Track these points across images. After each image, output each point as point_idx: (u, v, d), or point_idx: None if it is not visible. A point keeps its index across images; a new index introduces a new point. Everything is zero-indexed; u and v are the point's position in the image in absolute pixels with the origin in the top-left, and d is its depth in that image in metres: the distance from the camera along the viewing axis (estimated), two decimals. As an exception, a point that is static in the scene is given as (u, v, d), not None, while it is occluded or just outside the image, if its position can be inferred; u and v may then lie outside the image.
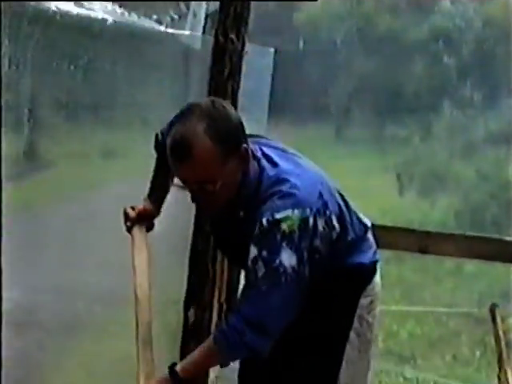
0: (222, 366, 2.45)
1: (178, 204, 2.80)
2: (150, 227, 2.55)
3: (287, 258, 2.10)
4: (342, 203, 2.28)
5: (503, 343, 3.24)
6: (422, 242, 3.44)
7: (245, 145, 2.12)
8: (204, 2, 4.05)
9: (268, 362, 2.25)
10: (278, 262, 2.09)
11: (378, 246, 2.54)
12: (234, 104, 3.33)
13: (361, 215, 2.44)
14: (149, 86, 3.65)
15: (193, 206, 3.48)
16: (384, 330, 5.78)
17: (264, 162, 2.21)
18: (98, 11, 3.08)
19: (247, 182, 2.17)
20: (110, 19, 3.10)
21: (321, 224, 2.15)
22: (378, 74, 9.26)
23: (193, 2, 4.07)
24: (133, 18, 3.42)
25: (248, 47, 3.60)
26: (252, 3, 3.49)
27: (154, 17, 3.72)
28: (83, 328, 3.45)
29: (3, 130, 2.42)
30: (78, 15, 2.92)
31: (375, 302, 2.48)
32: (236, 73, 3.51)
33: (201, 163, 2.03)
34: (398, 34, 9.38)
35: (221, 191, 2.11)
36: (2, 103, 2.41)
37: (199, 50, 3.88)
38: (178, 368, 2.18)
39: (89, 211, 3.43)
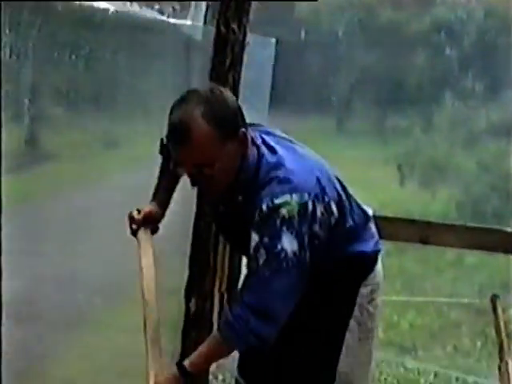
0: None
1: (179, 193, 2.80)
2: (154, 230, 2.55)
3: (288, 243, 2.12)
4: (341, 190, 2.30)
5: (504, 334, 3.24)
6: (422, 232, 3.45)
7: (243, 129, 2.14)
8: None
9: (267, 350, 2.26)
10: (279, 247, 2.11)
11: (380, 236, 2.55)
12: (236, 94, 3.32)
13: (362, 204, 2.45)
14: (150, 76, 3.65)
15: (194, 196, 3.49)
16: (385, 320, 5.77)
17: (263, 148, 2.22)
18: (100, 1, 3.07)
19: (246, 166, 2.19)
20: (112, 9, 3.10)
21: (319, 209, 2.16)
22: (380, 66, 9.24)
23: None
24: (134, 8, 3.41)
25: (249, 38, 3.59)
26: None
27: (156, 7, 3.71)
28: (83, 320, 3.46)
29: (3, 120, 2.42)
30: (79, 5, 2.92)
31: (376, 292, 2.49)
32: (237, 63, 3.51)
33: (198, 146, 2.06)
34: (400, 26, 9.36)
35: (219, 175, 2.13)
36: (2, 93, 2.41)
37: (200, 40, 3.87)
38: (186, 363, 2.20)
39: (90, 202, 3.43)
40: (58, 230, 3.21)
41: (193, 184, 2.22)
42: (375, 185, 8.15)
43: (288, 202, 2.12)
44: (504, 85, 8.74)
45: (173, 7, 3.90)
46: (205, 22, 3.91)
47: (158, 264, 2.45)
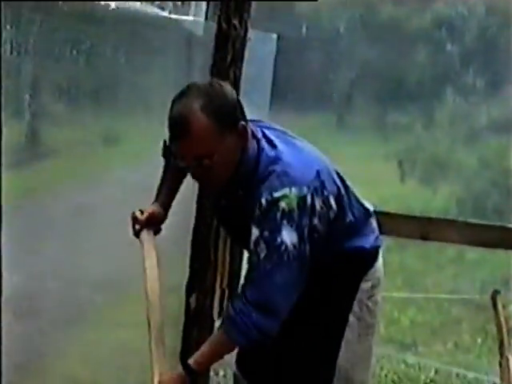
0: None
1: (180, 190, 2.80)
2: (157, 231, 2.56)
3: (288, 236, 2.13)
4: (341, 185, 2.31)
5: (505, 330, 3.24)
6: (423, 228, 3.45)
7: (242, 122, 2.17)
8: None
9: (267, 345, 2.27)
10: (279, 240, 2.13)
11: (380, 232, 2.55)
12: (237, 90, 3.32)
13: (363, 200, 2.46)
14: (151, 71, 3.65)
15: (195, 192, 3.49)
16: (385, 316, 5.78)
17: (264, 142, 2.25)
18: (101, 0, 3.07)
19: (246, 160, 2.21)
20: (113, 4, 3.09)
21: (318, 203, 2.19)
22: (381, 62, 9.22)
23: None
24: (135, 4, 3.40)
25: (251, 33, 3.60)
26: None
27: (157, 2, 3.71)
28: (84, 316, 3.46)
29: (3, 116, 2.42)
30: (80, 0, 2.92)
31: (376, 288, 2.50)
32: (238, 59, 3.51)
33: (198, 138, 2.09)
34: (401, 22, 9.34)
35: (219, 167, 2.15)
36: (3, 90, 2.41)
37: (202, 36, 3.87)
38: (191, 362, 2.21)
39: (91, 198, 3.42)
40: (58, 226, 3.20)
41: (194, 177, 2.25)
42: (376, 181, 8.15)
43: (287, 196, 2.14)
44: (505, 81, 8.73)
45: (174, 3, 3.89)
46: (206, 18, 3.90)
47: (159, 260, 2.45)
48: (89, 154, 3.38)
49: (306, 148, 2.35)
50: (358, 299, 2.45)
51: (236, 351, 2.55)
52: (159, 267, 2.43)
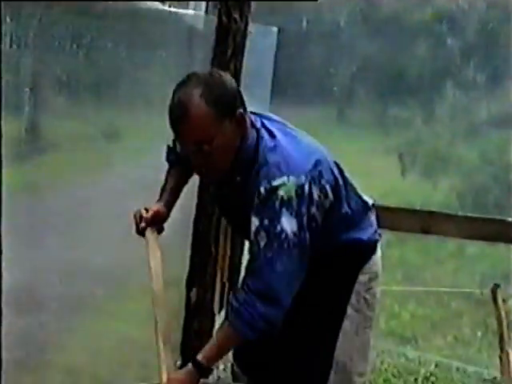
0: None
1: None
2: (160, 230, 2.57)
3: (288, 224, 2.15)
4: (338, 176, 2.34)
5: (505, 324, 3.25)
6: (424, 222, 3.46)
7: (240, 110, 2.21)
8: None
9: (263, 337, 2.27)
10: (279, 228, 2.15)
11: (379, 226, 2.56)
12: (237, 83, 3.31)
13: (362, 194, 2.48)
14: (152, 65, 3.64)
15: (196, 186, 3.49)
16: (386, 310, 5.79)
17: (263, 132, 2.29)
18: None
19: (245, 148, 2.24)
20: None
21: (316, 192, 2.21)
22: (381, 56, 9.21)
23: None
24: (136, -2, 3.40)
25: (251, 27, 3.59)
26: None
27: (158, -3, 3.70)
28: (85, 308, 3.46)
29: (3, 110, 2.42)
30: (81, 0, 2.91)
31: (374, 281, 2.51)
32: (239, 52, 3.51)
33: (196, 123, 2.13)
34: (402, 16, 9.33)
35: (218, 153, 2.18)
36: (3, 83, 2.41)
37: (202, 29, 3.86)
38: (199, 358, 2.22)
39: (91, 192, 3.42)
40: (58, 220, 3.20)
41: (194, 166, 2.28)
42: (376, 175, 8.15)
43: (285, 184, 2.17)
44: (506, 75, 8.71)
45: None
46: (206, 12, 3.90)
47: (162, 259, 2.46)
48: (89, 149, 3.38)
49: (305, 139, 2.38)
50: (356, 291, 2.47)
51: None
52: (163, 265, 2.44)
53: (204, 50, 3.69)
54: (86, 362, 3.52)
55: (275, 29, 5.05)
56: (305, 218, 2.18)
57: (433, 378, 4.68)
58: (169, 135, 2.40)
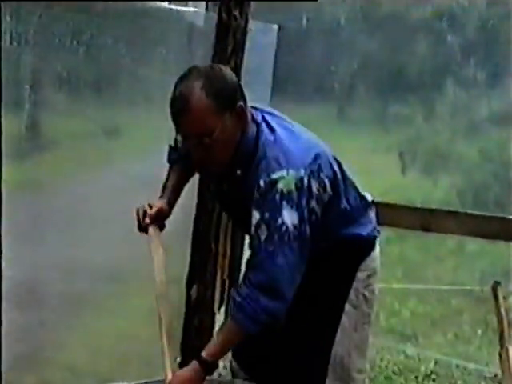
0: None
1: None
2: (162, 227, 2.57)
3: (289, 217, 2.17)
4: (338, 171, 2.36)
5: (505, 321, 3.25)
6: (424, 219, 3.46)
7: (241, 103, 2.23)
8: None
9: (262, 332, 2.28)
10: (280, 221, 2.17)
11: (380, 223, 2.56)
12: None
13: (362, 191, 2.49)
14: (152, 62, 3.64)
15: (196, 183, 3.49)
16: (386, 308, 5.79)
17: (263, 126, 2.31)
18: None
19: (245, 142, 2.26)
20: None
21: (315, 185, 2.23)
22: (382, 53, 9.20)
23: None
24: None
25: (251, 24, 3.59)
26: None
27: (158, -7, 3.69)
28: (85, 305, 3.47)
29: (3, 107, 2.42)
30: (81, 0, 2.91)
31: (373, 278, 2.52)
32: (239, 50, 3.51)
33: (197, 116, 2.15)
34: (402, 13, 9.32)
35: (218, 146, 2.20)
36: (3, 80, 2.41)
37: (202, 26, 3.86)
38: (204, 355, 2.23)
39: (91, 189, 3.43)
40: (59, 217, 3.21)
41: (195, 160, 2.29)
42: (377, 172, 8.14)
43: (284, 177, 2.19)
44: (506, 73, 8.71)
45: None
46: (207, 9, 3.90)
47: (165, 256, 2.46)
48: (89, 145, 3.38)
49: (305, 134, 2.40)
50: (355, 288, 2.49)
51: None
52: (165, 262, 2.45)
53: (204, 47, 3.69)
54: (87, 359, 3.52)
55: (275, 26, 5.04)
56: (305, 211, 2.20)
57: (433, 376, 4.69)
58: (170, 133, 2.41)
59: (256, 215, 2.20)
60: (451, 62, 9.05)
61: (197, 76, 2.19)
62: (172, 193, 2.63)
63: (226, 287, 3.80)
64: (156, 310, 2.33)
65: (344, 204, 2.39)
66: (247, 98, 2.30)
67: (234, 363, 2.70)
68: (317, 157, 2.27)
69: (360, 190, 2.50)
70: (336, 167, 2.36)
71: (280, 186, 2.18)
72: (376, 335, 2.59)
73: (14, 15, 2.53)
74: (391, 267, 6.35)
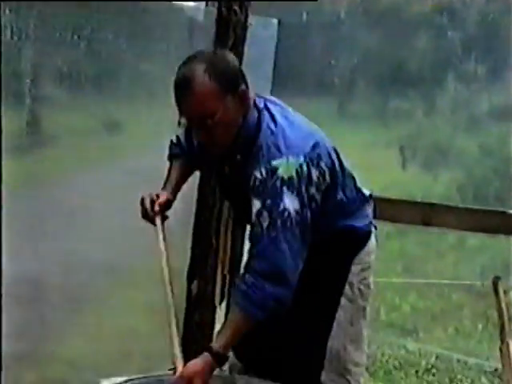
0: None
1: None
2: (165, 217, 2.59)
3: (290, 203, 2.20)
4: (336, 161, 2.38)
5: (505, 316, 3.25)
6: (425, 214, 3.45)
7: (243, 87, 2.26)
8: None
9: (258, 326, 2.29)
10: (282, 206, 2.19)
11: (380, 218, 2.57)
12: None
13: (361, 186, 2.51)
14: (152, 57, 3.64)
15: (196, 179, 3.49)
16: (386, 303, 5.80)
17: (265, 113, 2.34)
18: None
19: (246, 127, 2.29)
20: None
21: (314, 173, 2.26)
22: (382, 48, 9.20)
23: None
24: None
25: (251, 19, 3.59)
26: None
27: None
28: (85, 300, 3.47)
29: (3, 102, 2.42)
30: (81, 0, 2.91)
31: (367, 271, 2.54)
32: (239, 44, 3.51)
33: (200, 98, 2.18)
34: (402, 7, 9.31)
35: (221, 129, 2.23)
36: (3, 75, 2.41)
37: (203, 21, 3.86)
38: (216, 347, 2.23)
39: (92, 185, 3.42)
40: (60, 213, 3.21)
41: (198, 138, 2.35)
42: (377, 168, 8.14)
43: (284, 164, 2.22)
44: (507, 68, 8.70)
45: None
46: (206, 3, 3.89)
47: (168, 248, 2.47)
48: (90, 141, 3.38)
49: (305, 124, 2.44)
50: (349, 282, 2.51)
51: None
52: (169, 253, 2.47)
53: (204, 41, 3.68)
54: (88, 353, 3.52)
55: (275, 21, 5.04)
56: (305, 197, 2.23)
57: (433, 370, 4.70)
58: (171, 128, 2.42)
59: (257, 203, 2.22)
60: (451, 56, 9.05)
61: (200, 60, 2.24)
62: (175, 185, 2.66)
63: (227, 282, 3.80)
64: (163, 298, 2.33)
65: (340, 195, 2.41)
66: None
67: (233, 358, 2.71)
68: (316, 145, 2.30)
69: (358, 185, 2.52)
70: (334, 157, 2.39)
71: (280, 172, 2.20)
72: (376, 330, 2.59)
73: (14, 9, 2.52)
74: (392, 262, 6.37)
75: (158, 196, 2.56)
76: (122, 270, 3.68)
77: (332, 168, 2.35)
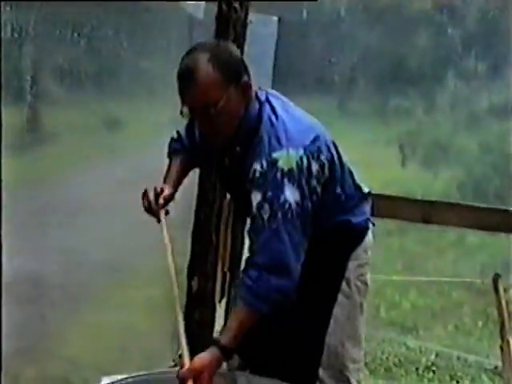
0: None
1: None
2: (167, 212, 2.59)
3: (291, 194, 2.20)
4: (335, 155, 2.39)
5: (506, 313, 3.25)
6: (425, 211, 3.46)
7: (246, 78, 2.28)
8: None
9: (258, 323, 2.30)
10: (282, 198, 2.21)
11: (380, 215, 2.57)
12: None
13: (361, 183, 2.51)
14: (153, 55, 3.64)
15: (196, 175, 3.49)
16: (386, 300, 5.80)
17: (266, 105, 2.35)
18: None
19: (247, 119, 2.31)
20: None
21: (314, 166, 2.27)
22: (382, 45, 9.18)
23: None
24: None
25: (251, 16, 3.59)
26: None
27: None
28: (85, 298, 3.47)
29: (3, 99, 2.41)
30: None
31: (364, 268, 2.55)
32: (239, 42, 3.51)
33: (204, 87, 2.20)
34: (402, 5, 9.30)
35: (223, 119, 2.24)
36: (3, 72, 2.40)
37: (203, 18, 3.86)
38: (223, 341, 2.23)
39: (93, 182, 3.42)
40: (60, 210, 3.20)
41: (200, 128, 2.37)
42: (377, 165, 8.14)
43: (284, 156, 2.23)
44: (507, 65, 8.69)
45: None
46: (207, 1, 3.89)
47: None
48: (90, 138, 3.38)
49: (306, 117, 2.45)
50: (346, 278, 2.52)
51: None
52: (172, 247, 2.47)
53: (205, 38, 3.68)
54: (88, 351, 3.52)
55: (275, 18, 5.04)
56: (306, 189, 2.24)
57: (433, 367, 4.70)
58: (171, 126, 2.41)
59: (257, 196, 2.23)
60: (452, 54, 9.04)
61: (203, 50, 2.25)
62: (176, 179, 2.67)
63: (227, 279, 3.81)
64: (169, 292, 2.33)
65: (338, 190, 2.42)
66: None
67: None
68: (316, 139, 2.32)
69: (357, 182, 2.53)
70: (334, 151, 2.41)
71: (280, 164, 2.22)
72: (376, 327, 2.60)
73: (14, 6, 2.52)
74: (392, 259, 6.35)
75: (162, 190, 2.57)
76: (121, 269, 3.68)
77: (331, 161, 2.37)
